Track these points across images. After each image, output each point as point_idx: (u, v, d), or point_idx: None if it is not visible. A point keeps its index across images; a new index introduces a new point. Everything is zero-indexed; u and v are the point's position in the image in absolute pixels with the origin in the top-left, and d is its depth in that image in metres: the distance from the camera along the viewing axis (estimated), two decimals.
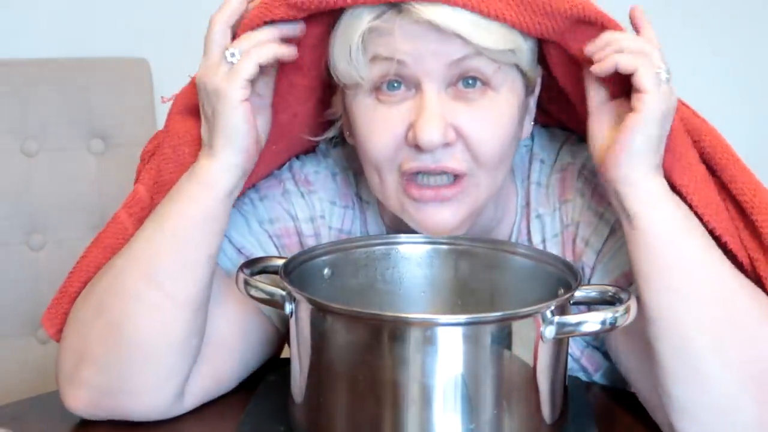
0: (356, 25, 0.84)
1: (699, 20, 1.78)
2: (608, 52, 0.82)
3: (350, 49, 0.85)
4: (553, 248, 0.97)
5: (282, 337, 1.01)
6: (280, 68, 0.88)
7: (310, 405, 0.81)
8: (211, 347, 0.92)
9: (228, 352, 0.94)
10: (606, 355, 0.99)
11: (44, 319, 0.94)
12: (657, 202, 0.83)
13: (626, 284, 0.89)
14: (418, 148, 0.86)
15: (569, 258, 0.96)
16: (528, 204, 0.99)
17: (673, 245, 0.82)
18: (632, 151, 0.81)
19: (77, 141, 1.59)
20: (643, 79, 0.81)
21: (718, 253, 0.84)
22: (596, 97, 0.86)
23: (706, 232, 0.85)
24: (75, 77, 1.59)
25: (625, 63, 0.81)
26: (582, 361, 0.99)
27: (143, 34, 1.70)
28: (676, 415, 0.83)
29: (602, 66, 0.82)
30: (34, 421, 0.87)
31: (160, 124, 1.62)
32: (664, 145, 0.84)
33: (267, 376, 0.98)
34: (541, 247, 0.97)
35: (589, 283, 0.93)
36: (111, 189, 1.59)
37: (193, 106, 0.92)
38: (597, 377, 1.00)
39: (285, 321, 0.99)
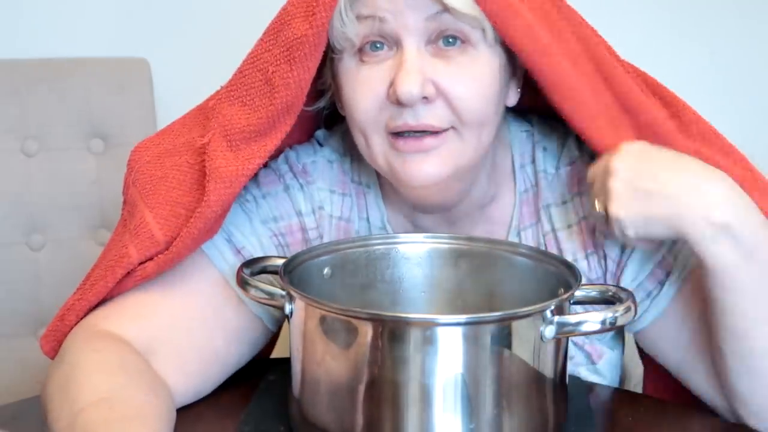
0: None
1: (697, 20, 1.78)
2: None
3: (340, 11, 0.87)
4: (565, 239, 0.97)
5: (274, 336, 1.01)
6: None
7: (310, 405, 0.81)
8: (204, 353, 0.93)
9: (219, 358, 0.95)
10: (609, 345, 0.99)
11: (42, 339, 0.95)
12: (710, 243, 0.82)
13: (663, 275, 0.93)
14: (399, 104, 0.87)
15: (588, 249, 0.96)
16: (537, 192, 0.99)
17: (738, 278, 0.83)
18: (635, 224, 0.83)
19: (77, 141, 1.59)
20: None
21: None
22: None
23: None
24: (75, 77, 1.59)
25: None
26: (586, 348, 0.99)
27: (143, 34, 1.70)
28: (739, 404, 0.88)
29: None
30: (34, 422, 0.87)
31: (161, 124, 1.64)
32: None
33: (267, 376, 0.98)
34: (550, 237, 0.98)
35: (622, 274, 0.95)
36: (111, 189, 1.59)
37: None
38: (600, 364, 0.99)
39: (278, 321, 1.00)
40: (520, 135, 1.01)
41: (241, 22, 1.72)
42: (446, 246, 0.94)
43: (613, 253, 0.95)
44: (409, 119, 0.88)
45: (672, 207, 0.82)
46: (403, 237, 0.95)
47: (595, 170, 0.88)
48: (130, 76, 1.62)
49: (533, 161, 1.00)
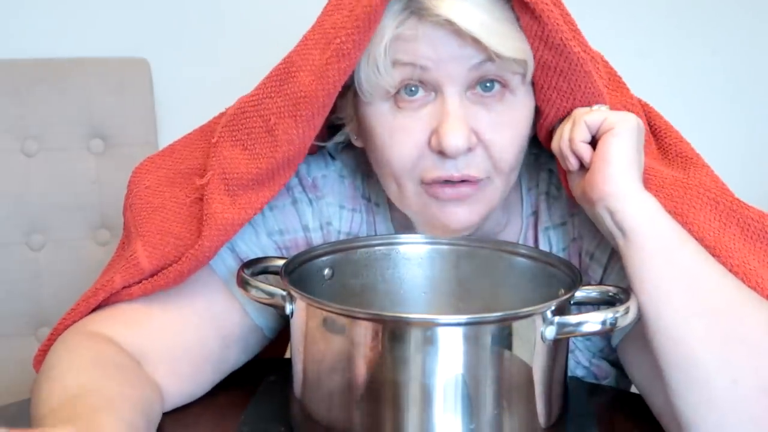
0: (381, 33, 0.84)
1: (698, 20, 1.78)
2: (567, 153, 0.86)
3: (376, 60, 0.85)
4: None
5: (269, 342, 1.01)
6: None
7: (311, 405, 0.81)
8: (197, 357, 0.93)
9: (212, 362, 0.95)
10: (613, 363, 0.99)
11: (34, 359, 0.95)
12: (652, 216, 0.82)
13: None
14: (441, 154, 0.86)
15: None
16: (537, 215, 0.99)
17: (672, 260, 0.81)
18: (618, 164, 0.81)
19: (77, 141, 1.59)
20: (594, 120, 0.84)
21: (716, 264, 0.83)
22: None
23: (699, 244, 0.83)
24: (75, 77, 1.59)
25: (580, 142, 0.84)
26: (591, 369, 0.99)
27: (143, 34, 1.70)
28: (687, 430, 0.80)
29: (570, 162, 0.86)
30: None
31: (160, 124, 1.64)
32: (643, 161, 0.84)
33: (267, 377, 0.98)
34: None
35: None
36: (111, 189, 1.59)
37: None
38: (606, 383, 1.00)
39: (275, 330, 1.00)
40: (528, 158, 0.99)
41: (241, 23, 1.72)
42: (447, 247, 0.94)
43: (597, 275, 0.94)
44: (451, 170, 0.87)
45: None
46: (404, 238, 0.95)
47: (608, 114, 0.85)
48: (130, 76, 1.62)
49: (537, 184, 0.99)
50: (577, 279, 0.83)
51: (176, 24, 1.72)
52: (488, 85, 0.86)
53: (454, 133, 0.84)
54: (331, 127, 0.97)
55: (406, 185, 0.90)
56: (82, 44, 1.67)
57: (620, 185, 0.82)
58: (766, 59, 1.79)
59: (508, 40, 0.84)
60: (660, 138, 0.94)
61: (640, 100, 0.96)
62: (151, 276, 0.92)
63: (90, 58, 1.63)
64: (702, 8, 1.77)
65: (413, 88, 0.86)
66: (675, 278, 0.81)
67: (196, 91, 1.72)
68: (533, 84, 0.89)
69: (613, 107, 0.90)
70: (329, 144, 0.98)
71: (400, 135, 0.87)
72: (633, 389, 1.10)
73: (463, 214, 0.90)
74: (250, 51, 1.65)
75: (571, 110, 0.88)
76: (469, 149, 0.86)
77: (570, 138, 0.85)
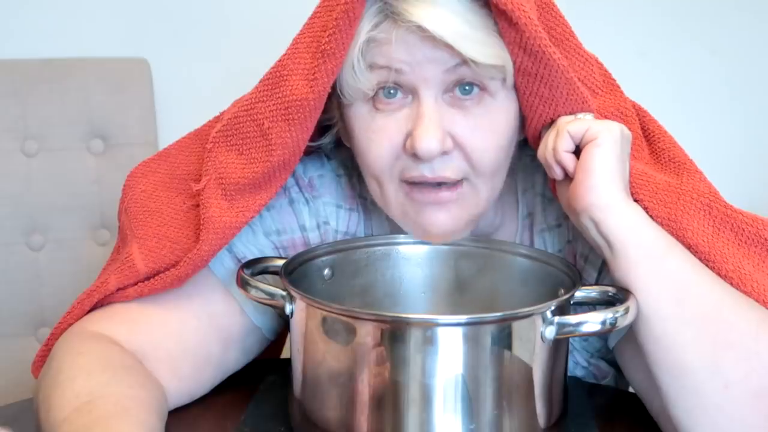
0: (357, 35, 0.84)
1: (698, 20, 1.78)
2: (552, 163, 0.85)
3: (353, 62, 0.85)
4: None
5: (270, 343, 1.01)
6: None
7: (311, 405, 0.81)
8: (197, 358, 0.93)
9: (213, 363, 0.95)
10: (611, 363, 0.99)
11: (32, 365, 0.96)
12: (636, 225, 0.82)
13: None
14: (416, 157, 0.85)
15: None
16: (532, 216, 0.99)
17: (658, 268, 0.81)
18: (601, 174, 0.81)
19: (77, 141, 1.59)
20: (577, 130, 0.83)
21: (704, 270, 0.83)
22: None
23: (687, 251, 0.83)
24: (75, 77, 1.59)
25: (563, 151, 0.84)
26: (590, 369, 1.00)
27: (143, 34, 1.70)
28: None
29: (555, 172, 0.85)
30: (34, 421, 0.87)
31: (160, 124, 1.64)
32: (629, 171, 0.84)
33: (267, 377, 0.98)
34: None
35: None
36: (111, 189, 1.59)
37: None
38: (605, 383, 1.00)
39: (275, 331, 1.00)
40: (524, 159, 0.99)
41: (241, 23, 1.72)
42: (446, 247, 0.94)
43: (591, 278, 0.94)
44: (425, 172, 0.86)
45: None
46: (404, 238, 0.95)
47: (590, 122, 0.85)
48: (130, 76, 1.62)
49: (533, 186, 0.99)
50: (576, 279, 0.83)
51: (176, 24, 1.72)
52: (467, 87, 0.86)
53: (427, 136, 0.84)
54: (323, 128, 0.97)
55: (387, 186, 0.90)
56: (82, 44, 1.67)
57: (603, 196, 0.81)
58: (765, 59, 1.79)
59: (483, 47, 0.83)
60: (653, 143, 0.94)
61: (634, 104, 0.96)
62: (146, 278, 0.92)
63: (90, 58, 1.63)
64: (701, 8, 1.77)
65: (392, 90, 0.86)
66: (662, 286, 0.80)
67: (196, 91, 1.72)
68: (517, 89, 0.88)
69: (606, 111, 0.90)
70: (321, 143, 0.98)
71: (377, 136, 0.87)
72: (632, 389, 1.10)
73: (443, 219, 0.89)
74: (250, 51, 1.65)
75: (555, 116, 0.87)
76: (444, 153, 0.86)
77: (554, 148, 0.85)
